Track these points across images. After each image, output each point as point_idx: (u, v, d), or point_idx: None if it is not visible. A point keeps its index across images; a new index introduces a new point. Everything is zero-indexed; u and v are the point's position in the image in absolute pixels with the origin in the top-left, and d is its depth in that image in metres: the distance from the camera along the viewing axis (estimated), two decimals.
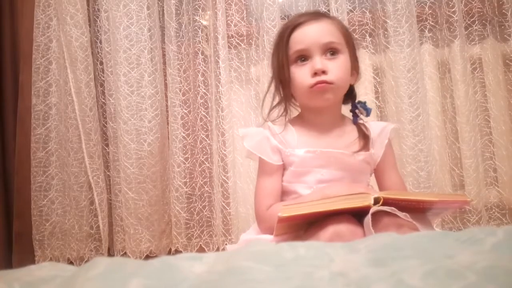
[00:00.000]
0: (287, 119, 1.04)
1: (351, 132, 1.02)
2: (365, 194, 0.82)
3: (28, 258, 1.49)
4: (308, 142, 0.99)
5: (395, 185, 1.03)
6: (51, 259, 1.51)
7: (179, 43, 1.54)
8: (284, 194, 1.00)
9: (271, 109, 1.05)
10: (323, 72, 0.94)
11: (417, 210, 0.85)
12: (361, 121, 1.03)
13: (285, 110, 1.03)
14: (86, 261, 1.37)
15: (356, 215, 0.82)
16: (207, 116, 1.53)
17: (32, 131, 1.52)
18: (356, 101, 1.05)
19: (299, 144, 0.99)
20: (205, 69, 1.54)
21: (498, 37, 1.50)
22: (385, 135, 1.03)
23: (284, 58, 0.98)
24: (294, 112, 1.08)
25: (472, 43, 1.50)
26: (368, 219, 0.78)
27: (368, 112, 1.03)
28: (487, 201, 1.45)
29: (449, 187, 1.45)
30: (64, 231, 1.51)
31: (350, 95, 1.04)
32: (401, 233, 0.68)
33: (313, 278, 0.40)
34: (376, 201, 0.79)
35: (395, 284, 0.36)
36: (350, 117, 1.05)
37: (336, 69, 0.96)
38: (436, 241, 0.46)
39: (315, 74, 0.94)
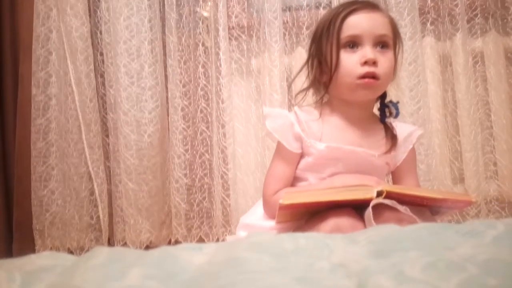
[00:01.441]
0: (315, 106, 1.00)
1: (377, 131, 0.99)
2: (368, 187, 0.81)
3: (28, 247, 1.50)
4: (332, 135, 0.96)
5: None
6: (51, 249, 1.51)
7: (179, 34, 1.53)
8: (295, 179, 0.98)
9: (299, 92, 1.01)
10: (374, 63, 0.91)
11: (421, 206, 0.85)
12: (388, 121, 1.01)
13: (322, 97, 1.00)
14: (86, 251, 1.38)
15: (358, 208, 0.82)
16: (208, 108, 1.53)
17: (32, 121, 1.51)
18: (388, 100, 1.02)
19: (323, 136, 0.96)
20: (206, 60, 1.54)
21: (501, 30, 1.49)
22: (411, 141, 1.01)
23: (334, 41, 0.93)
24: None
25: (474, 36, 1.49)
26: (369, 212, 0.78)
27: (397, 114, 1.00)
28: (486, 194, 1.45)
29: (449, 180, 1.45)
30: (64, 221, 1.51)
31: (381, 94, 1.01)
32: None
33: (313, 269, 0.40)
34: (379, 194, 0.78)
35: (395, 275, 0.36)
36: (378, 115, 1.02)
37: (385, 63, 0.93)
38: (437, 233, 0.46)
39: (365, 63, 0.91)
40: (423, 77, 1.42)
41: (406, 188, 0.86)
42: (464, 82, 1.43)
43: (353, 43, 0.93)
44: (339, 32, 0.93)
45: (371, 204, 0.78)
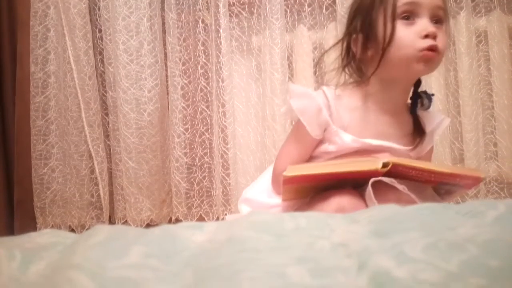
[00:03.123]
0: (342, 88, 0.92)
1: (407, 122, 0.94)
2: (374, 158, 0.79)
3: (30, 225, 1.51)
4: (359, 124, 0.90)
5: None
6: (52, 226, 1.53)
7: (179, 10, 1.51)
8: (310, 157, 0.93)
9: (344, 66, 0.92)
10: (434, 37, 0.84)
11: (428, 182, 0.83)
12: (418, 114, 0.95)
13: (362, 78, 0.91)
14: (87, 229, 1.39)
15: (359, 187, 0.82)
16: (207, 87, 1.52)
17: (31, 99, 1.50)
18: (422, 90, 0.95)
19: (350, 124, 0.89)
20: (206, 38, 1.51)
21: (505, 9, 1.46)
22: (439, 129, 0.97)
23: (389, 9, 0.85)
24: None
25: (478, 15, 1.46)
26: (369, 190, 0.78)
27: (429, 106, 0.95)
28: (486, 175, 1.45)
29: (449, 160, 1.45)
30: (65, 199, 1.52)
31: (416, 82, 0.94)
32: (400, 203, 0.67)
33: (314, 248, 0.40)
34: (385, 166, 0.76)
35: (396, 255, 0.36)
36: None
37: (443, 38, 0.86)
38: (437, 213, 0.46)
39: (426, 36, 0.84)
40: None
41: (414, 161, 0.83)
42: (467, 62, 1.42)
43: (409, 14, 0.85)
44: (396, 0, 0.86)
45: (370, 182, 0.78)
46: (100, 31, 1.53)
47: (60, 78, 1.52)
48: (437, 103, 1.44)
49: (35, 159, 1.51)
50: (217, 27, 1.46)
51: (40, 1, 1.50)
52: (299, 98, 0.90)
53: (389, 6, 0.86)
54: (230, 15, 1.48)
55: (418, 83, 0.95)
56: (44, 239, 0.49)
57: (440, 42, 0.85)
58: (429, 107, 0.95)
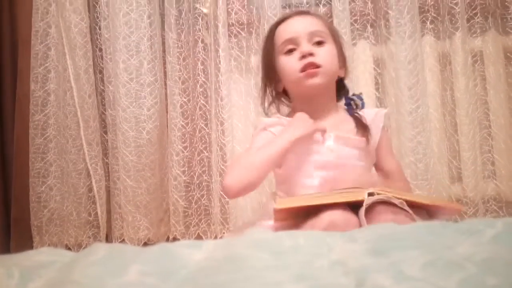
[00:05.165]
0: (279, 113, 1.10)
1: (347, 121, 1.05)
2: (359, 189, 0.83)
3: (26, 243, 1.49)
4: None
5: (393, 169, 1.06)
6: (49, 245, 1.51)
7: (179, 30, 1.53)
8: (283, 183, 1.02)
9: (270, 104, 1.11)
10: (311, 54, 0.98)
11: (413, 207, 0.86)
12: (356, 113, 1.07)
13: (277, 108, 1.10)
14: (84, 248, 1.38)
15: (352, 207, 0.83)
16: (206, 105, 1.52)
17: (30, 117, 1.50)
18: (351, 94, 1.08)
19: None
20: (205, 57, 1.53)
21: (500, 30, 1.49)
22: (378, 119, 1.06)
23: (275, 51, 1.02)
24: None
25: (474, 35, 1.49)
26: (361, 212, 0.79)
27: (363, 104, 1.06)
28: (484, 193, 1.45)
29: (447, 179, 1.45)
30: (62, 218, 1.51)
31: (342, 90, 1.08)
32: (397, 220, 0.69)
33: (312, 266, 0.40)
34: (371, 195, 0.81)
35: (394, 274, 0.36)
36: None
37: (323, 53, 1.00)
38: (436, 232, 0.46)
39: (303, 57, 0.98)
40: (422, 76, 1.42)
41: (396, 192, 0.87)
42: (463, 81, 1.43)
43: (291, 47, 1.01)
44: (276, 41, 1.02)
45: (365, 203, 0.79)
46: (100, 50, 1.54)
47: (59, 97, 1.52)
48: (434, 122, 1.45)
49: (33, 177, 1.50)
50: (216, 46, 1.48)
51: (41, 20, 1.52)
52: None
53: (273, 47, 1.04)
54: (229, 35, 1.50)
55: (346, 91, 1.09)
56: (42, 257, 0.49)
57: (319, 56, 0.99)
58: (363, 105, 1.07)
